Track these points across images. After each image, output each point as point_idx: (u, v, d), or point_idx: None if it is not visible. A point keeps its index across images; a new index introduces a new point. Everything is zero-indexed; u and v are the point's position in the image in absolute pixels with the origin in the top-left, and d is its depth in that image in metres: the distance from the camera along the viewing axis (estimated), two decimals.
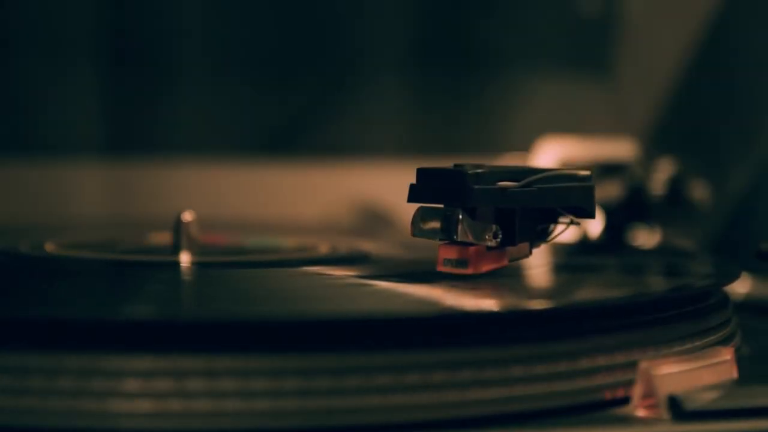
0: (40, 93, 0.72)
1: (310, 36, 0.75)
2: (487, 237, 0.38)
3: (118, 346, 0.30)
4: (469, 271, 0.38)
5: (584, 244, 0.55)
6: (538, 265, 0.43)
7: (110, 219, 0.71)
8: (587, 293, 0.40)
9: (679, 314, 0.36)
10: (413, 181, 0.38)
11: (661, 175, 0.58)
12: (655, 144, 0.67)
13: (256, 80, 0.75)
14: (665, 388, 0.32)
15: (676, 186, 0.58)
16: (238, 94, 0.75)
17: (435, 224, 0.38)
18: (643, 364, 0.33)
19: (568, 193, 0.39)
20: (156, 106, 0.73)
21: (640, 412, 0.32)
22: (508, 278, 0.39)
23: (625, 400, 0.33)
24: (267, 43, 0.75)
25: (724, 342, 0.37)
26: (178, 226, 0.45)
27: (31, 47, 0.72)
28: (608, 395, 0.33)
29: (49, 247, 0.48)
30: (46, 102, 0.72)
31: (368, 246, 0.50)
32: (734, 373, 0.35)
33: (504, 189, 0.37)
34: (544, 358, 0.32)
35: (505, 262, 0.39)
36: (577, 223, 0.40)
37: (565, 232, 0.40)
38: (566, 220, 0.40)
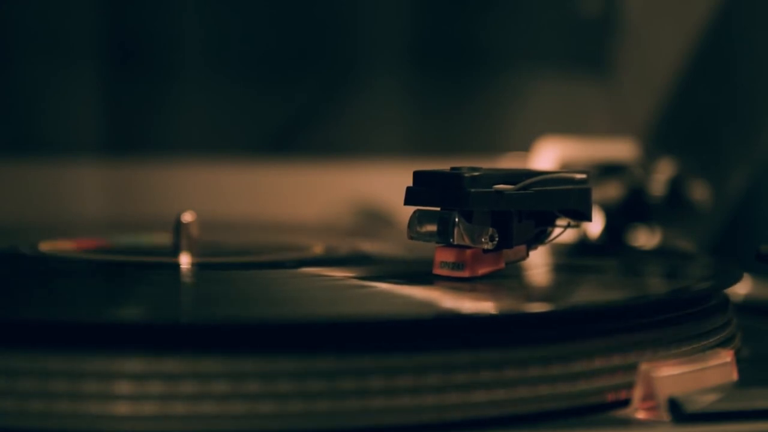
0: (40, 93, 0.72)
1: (310, 36, 0.75)
2: (483, 240, 0.38)
3: (110, 348, 0.30)
4: (466, 274, 0.37)
5: (584, 244, 0.55)
6: (537, 267, 0.43)
7: (110, 219, 0.71)
8: (587, 295, 0.40)
9: (679, 316, 0.36)
10: (412, 182, 0.38)
11: (661, 176, 0.58)
12: (655, 144, 0.67)
13: (256, 80, 0.75)
14: (665, 391, 0.32)
15: (676, 186, 0.58)
16: (238, 94, 0.75)
17: (431, 227, 0.37)
18: (644, 366, 0.33)
19: (564, 196, 0.39)
20: (156, 106, 0.73)
21: (641, 415, 0.32)
22: (507, 280, 0.39)
23: (626, 403, 0.33)
24: (267, 43, 0.75)
25: (724, 344, 0.37)
26: (178, 227, 0.45)
27: (31, 47, 0.72)
28: (608, 397, 0.33)
29: (48, 246, 0.48)
30: (47, 102, 0.72)
31: (368, 246, 0.50)
32: (734, 375, 0.35)
33: (501, 192, 0.37)
34: (544, 360, 0.32)
35: (502, 265, 0.39)
36: (575, 226, 0.40)
37: (565, 233, 0.40)
38: (563, 222, 0.40)
